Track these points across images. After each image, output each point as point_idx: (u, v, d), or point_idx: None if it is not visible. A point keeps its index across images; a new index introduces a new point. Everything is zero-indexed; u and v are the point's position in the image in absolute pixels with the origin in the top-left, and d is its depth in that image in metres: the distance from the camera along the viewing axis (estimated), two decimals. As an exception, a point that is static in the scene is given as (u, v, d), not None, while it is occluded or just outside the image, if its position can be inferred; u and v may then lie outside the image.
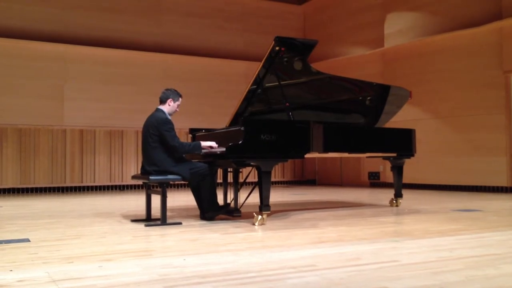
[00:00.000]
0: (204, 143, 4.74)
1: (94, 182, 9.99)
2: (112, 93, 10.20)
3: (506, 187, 8.29)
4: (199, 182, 4.81)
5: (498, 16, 8.44)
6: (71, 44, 9.86)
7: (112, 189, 10.13)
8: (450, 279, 2.43)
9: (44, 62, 9.66)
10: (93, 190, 9.95)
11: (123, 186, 10.24)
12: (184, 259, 2.99)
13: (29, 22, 9.68)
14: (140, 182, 5.11)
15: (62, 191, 9.65)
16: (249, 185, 7.73)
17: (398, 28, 10.18)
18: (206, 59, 11.07)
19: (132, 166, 10.27)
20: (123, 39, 10.44)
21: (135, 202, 7.32)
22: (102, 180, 10.07)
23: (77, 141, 9.86)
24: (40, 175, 9.53)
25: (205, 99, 10.89)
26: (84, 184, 9.89)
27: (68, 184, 9.74)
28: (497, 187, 8.40)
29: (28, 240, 3.73)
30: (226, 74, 11.20)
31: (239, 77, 11.00)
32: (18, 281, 2.47)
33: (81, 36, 10.06)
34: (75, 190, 9.79)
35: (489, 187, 8.51)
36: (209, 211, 4.88)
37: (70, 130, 9.81)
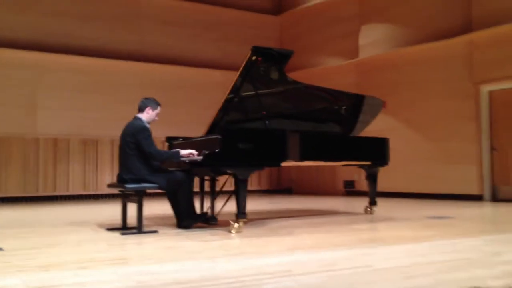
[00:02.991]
0: (184, 151, 4.73)
1: (68, 191, 9.84)
2: (87, 101, 10.09)
3: (477, 195, 8.49)
4: (176, 191, 4.79)
5: (468, 29, 8.70)
6: (46, 52, 9.74)
7: (86, 198, 9.99)
8: (422, 283, 2.50)
9: (17, 70, 9.52)
10: (66, 199, 9.80)
11: (98, 195, 10.11)
12: (161, 266, 2.99)
13: (4, 30, 9.54)
14: (115, 191, 5.07)
15: (35, 201, 9.48)
16: (225, 194, 7.73)
17: (373, 39, 10.38)
18: (183, 68, 11.08)
19: (107, 175, 10.15)
20: (99, 47, 10.37)
21: (110, 211, 7.24)
22: (76, 189, 9.93)
23: (50, 150, 9.72)
24: (12, 184, 9.35)
25: (181, 108, 10.86)
26: (58, 193, 9.73)
27: (41, 193, 9.57)
28: (468, 195, 8.58)
29: (1, 249, 3.67)
30: (203, 83, 11.22)
31: (216, 86, 10.99)
32: (-8, 289, 2.44)
33: (56, 44, 9.95)
34: (48, 200, 9.62)
35: (460, 195, 8.69)
36: (186, 219, 4.87)
37: (43, 139, 9.66)
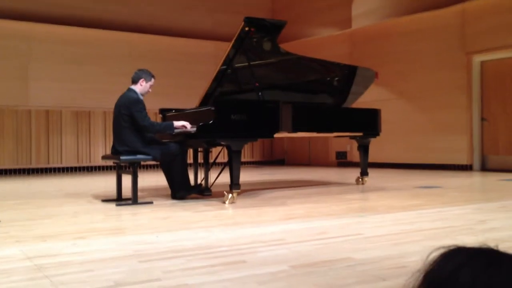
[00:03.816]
0: (177, 123, 4.76)
1: (61, 163, 9.87)
2: (79, 73, 10.02)
3: (466, 165, 8.63)
4: (170, 162, 4.84)
5: (461, -2, 8.68)
6: (36, 22, 9.61)
7: (79, 170, 10.03)
8: (410, 249, 2.59)
9: (8, 41, 9.41)
10: (60, 171, 9.84)
11: (91, 167, 10.15)
12: (157, 236, 3.07)
13: (-10, -1, 9.39)
14: (108, 163, 5.13)
15: (28, 173, 9.51)
16: (219, 165, 7.81)
17: (365, 9, 10.33)
18: (173, 38, 10.99)
19: (100, 147, 10.16)
20: (90, 17, 10.24)
21: (104, 183, 7.30)
22: (69, 161, 9.96)
23: (43, 122, 9.70)
24: (5, 156, 9.36)
25: (173, 79, 10.81)
26: (51, 165, 9.76)
27: (34, 165, 9.60)
28: (458, 165, 8.73)
29: (-2, 221, 3.72)
30: (194, 54, 11.15)
31: (208, 57, 10.96)
32: (-7, 259, 2.50)
33: (46, 14, 9.82)
34: (41, 172, 9.66)
35: (450, 165, 8.83)
36: (180, 190, 4.94)
37: (35, 111, 9.63)
